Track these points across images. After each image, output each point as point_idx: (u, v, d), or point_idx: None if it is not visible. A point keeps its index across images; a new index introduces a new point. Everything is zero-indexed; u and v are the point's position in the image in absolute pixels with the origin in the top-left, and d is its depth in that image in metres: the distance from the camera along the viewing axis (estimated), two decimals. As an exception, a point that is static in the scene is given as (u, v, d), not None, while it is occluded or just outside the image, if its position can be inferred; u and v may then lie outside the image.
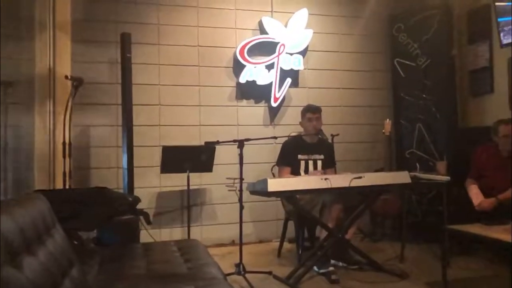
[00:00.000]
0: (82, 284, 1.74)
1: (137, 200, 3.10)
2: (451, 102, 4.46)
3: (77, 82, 3.49)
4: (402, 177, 3.30)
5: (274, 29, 4.49)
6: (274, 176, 3.90)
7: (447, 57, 4.45)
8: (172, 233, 4.18)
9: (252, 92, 4.49)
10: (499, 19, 3.88)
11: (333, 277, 3.12)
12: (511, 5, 3.75)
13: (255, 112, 4.53)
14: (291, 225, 3.83)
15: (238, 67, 4.42)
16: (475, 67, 4.38)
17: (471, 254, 3.59)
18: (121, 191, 3.72)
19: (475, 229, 2.64)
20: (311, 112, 3.67)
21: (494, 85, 4.18)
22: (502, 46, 3.94)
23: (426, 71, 4.49)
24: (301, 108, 3.83)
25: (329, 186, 2.99)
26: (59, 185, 3.51)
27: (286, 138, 3.82)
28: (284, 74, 4.49)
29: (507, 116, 3.74)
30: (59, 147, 3.48)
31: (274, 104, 4.49)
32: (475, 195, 3.40)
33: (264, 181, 2.94)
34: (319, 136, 3.76)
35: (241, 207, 3.12)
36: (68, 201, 2.68)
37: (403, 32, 4.66)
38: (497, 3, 3.90)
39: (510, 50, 3.92)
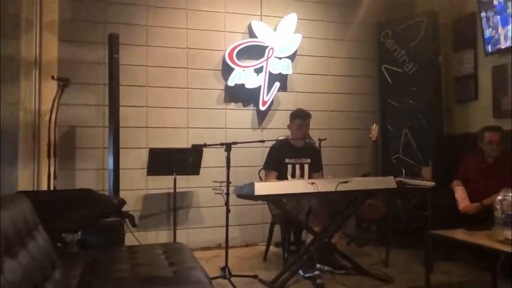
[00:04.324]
0: (64, 287, 1.71)
1: (123, 202, 3.07)
2: (437, 108, 4.52)
3: (64, 83, 3.45)
4: (387, 182, 3.32)
5: (263, 33, 4.50)
6: (261, 179, 3.90)
7: (433, 64, 4.51)
8: (158, 236, 4.15)
9: (241, 95, 4.49)
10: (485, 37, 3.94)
11: (319, 281, 3.13)
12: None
13: (243, 115, 4.53)
14: (277, 229, 3.83)
15: (227, 70, 4.42)
16: (460, 74, 4.44)
17: (455, 259, 3.63)
18: (107, 193, 3.69)
19: (459, 234, 2.66)
20: (301, 118, 3.65)
21: (478, 92, 4.25)
22: (487, 54, 4.01)
23: (413, 77, 4.55)
24: (289, 112, 3.83)
25: (316, 190, 3.00)
26: (43, 186, 3.46)
27: (273, 142, 3.83)
28: (272, 78, 4.50)
29: (491, 123, 3.81)
30: (44, 147, 3.43)
31: (262, 108, 4.50)
32: (461, 198, 3.43)
33: (251, 185, 2.94)
34: (306, 140, 3.77)
35: (228, 211, 3.11)
36: (52, 203, 2.65)
37: (390, 39, 4.72)
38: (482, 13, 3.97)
39: (494, 58, 3.99)
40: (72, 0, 4.02)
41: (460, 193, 3.46)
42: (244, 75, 4.40)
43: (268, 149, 3.81)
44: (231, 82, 4.39)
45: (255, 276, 3.26)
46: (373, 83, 4.94)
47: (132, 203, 3.98)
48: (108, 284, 1.91)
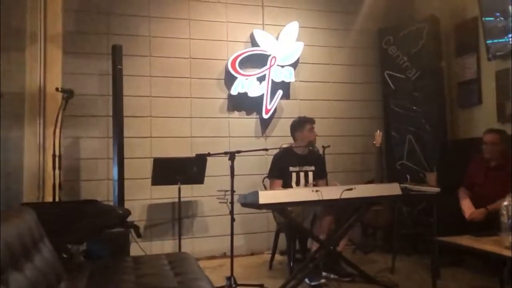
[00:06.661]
0: (70, 299, 1.72)
1: (128, 212, 3.08)
2: (440, 113, 4.51)
3: (68, 94, 3.48)
4: (392, 188, 3.31)
5: (266, 42, 4.52)
6: (265, 188, 3.90)
7: (436, 69, 4.50)
8: (163, 246, 4.15)
9: (244, 104, 4.50)
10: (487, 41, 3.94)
11: (325, 289, 3.12)
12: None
13: (247, 124, 4.54)
14: (282, 237, 3.82)
15: (229, 79, 4.44)
16: (463, 79, 4.43)
17: (461, 265, 3.60)
18: (112, 203, 3.69)
19: (465, 240, 2.65)
20: (311, 122, 3.73)
21: (482, 97, 4.23)
22: (490, 59, 4.01)
23: (416, 83, 4.55)
24: (292, 120, 3.84)
25: (320, 198, 2.99)
26: (48, 197, 3.47)
27: (277, 150, 3.83)
28: (275, 86, 4.51)
29: (495, 127, 3.78)
30: (49, 159, 3.45)
31: (265, 116, 4.51)
32: (466, 206, 3.42)
33: (255, 193, 2.93)
34: (310, 147, 3.78)
35: (232, 219, 3.11)
36: (57, 214, 2.65)
37: (392, 45, 4.73)
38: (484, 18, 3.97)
39: (497, 62, 3.98)
40: (76, 13, 4.06)
41: (465, 202, 3.44)
42: (247, 84, 4.42)
43: (271, 157, 3.81)
44: (234, 91, 4.40)
45: (261, 285, 3.25)
46: (376, 89, 4.94)
47: (136, 213, 3.98)
48: (113, 295, 1.91)
